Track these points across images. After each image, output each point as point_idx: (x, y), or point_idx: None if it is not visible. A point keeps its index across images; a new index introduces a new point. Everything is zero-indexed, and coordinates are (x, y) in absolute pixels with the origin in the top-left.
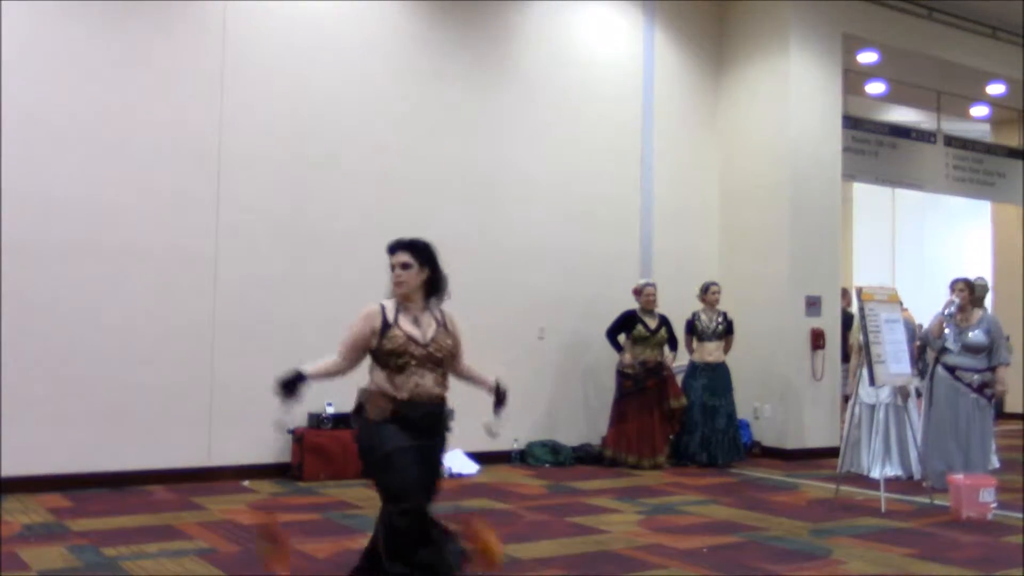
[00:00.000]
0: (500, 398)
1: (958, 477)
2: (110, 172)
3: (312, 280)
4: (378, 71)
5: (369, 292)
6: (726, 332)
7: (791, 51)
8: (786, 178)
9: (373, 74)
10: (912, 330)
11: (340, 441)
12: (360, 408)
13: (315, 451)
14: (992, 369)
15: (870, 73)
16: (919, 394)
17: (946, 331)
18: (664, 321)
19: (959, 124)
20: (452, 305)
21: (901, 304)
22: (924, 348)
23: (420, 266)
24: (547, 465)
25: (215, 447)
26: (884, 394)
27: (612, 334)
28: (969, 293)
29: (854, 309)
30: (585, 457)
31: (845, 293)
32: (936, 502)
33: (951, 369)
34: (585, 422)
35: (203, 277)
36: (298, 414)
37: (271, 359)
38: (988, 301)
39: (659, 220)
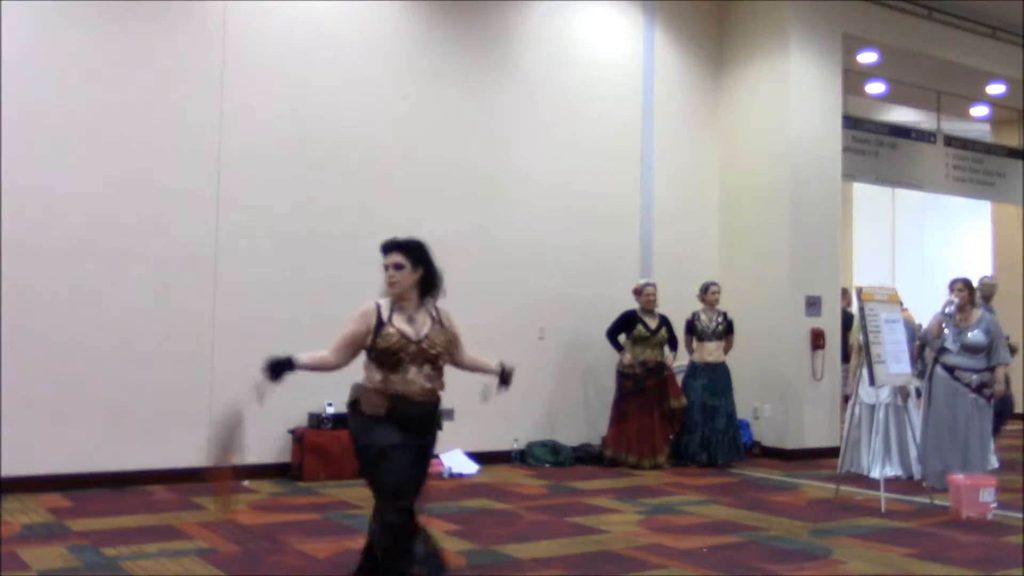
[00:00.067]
0: (506, 379)
1: (958, 477)
2: (110, 172)
3: (312, 280)
4: (378, 71)
5: (369, 292)
6: (726, 332)
7: (791, 51)
8: (786, 178)
9: (373, 74)
10: (912, 330)
11: (340, 441)
12: (355, 404)
13: (315, 451)
14: (991, 369)
15: (870, 73)
16: (919, 394)
17: (945, 331)
18: (664, 321)
19: (959, 124)
20: (452, 304)
21: (901, 304)
22: (924, 348)
23: (413, 266)
24: (547, 465)
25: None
26: (884, 394)
27: (612, 334)
28: (968, 293)
29: (854, 309)
30: (585, 457)
31: (845, 293)
32: (936, 502)
33: (950, 369)
34: (585, 422)
35: (203, 277)
36: (297, 413)
37: None
38: None
39: (659, 220)
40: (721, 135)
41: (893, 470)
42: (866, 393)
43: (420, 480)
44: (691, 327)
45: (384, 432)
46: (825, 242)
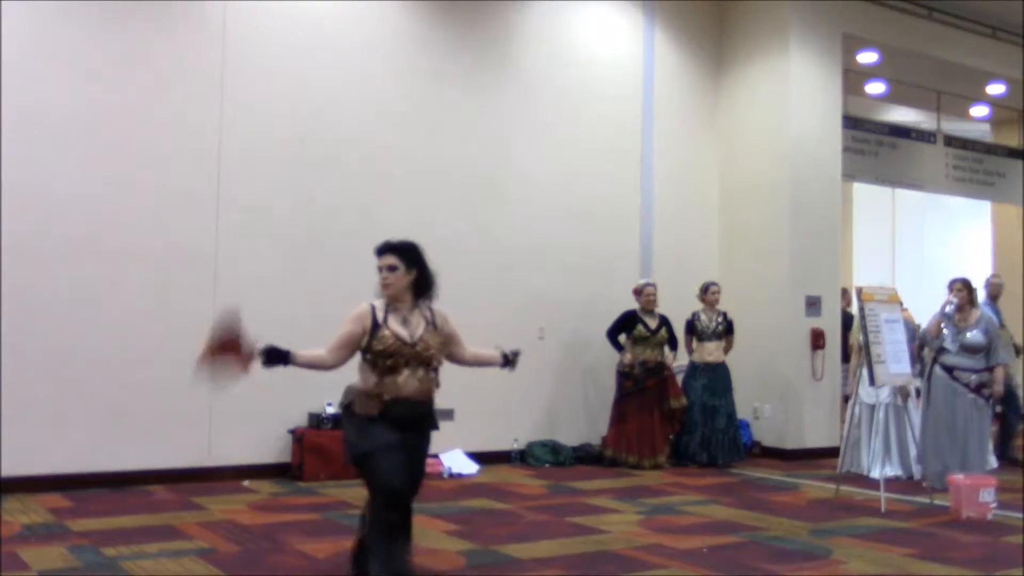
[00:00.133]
0: (512, 363)
1: (958, 477)
2: (110, 172)
3: (312, 280)
4: (378, 71)
5: (369, 292)
6: (726, 332)
7: (791, 51)
8: (786, 178)
9: (373, 74)
10: (912, 330)
11: (340, 441)
12: (348, 406)
13: (315, 451)
14: (990, 369)
15: (870, 73)
16: (919, 394)
17: (944, 331)
18: (664, 321)
19: (959, 124)
20: (452, 304)
21: (901, 304)
22: (923, 348)
23: (407, 268)
24: (547, 465)
25: (215, 447)
26: (884, 394)
27: (613, 334)
28: (967, 293)
29: (854, 309)
30: (585, 457)
31: (845, 293)
32: (936, 502)
33: (949, 369)
34: (585, 422)
35: (203, 277)
36: (297, 413)
37: None
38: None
39: (659, 220)
40: (721, 135)
41: (893, 470)
42: (866, 393)
43: (416, 479)
44: (691, 327)
45: (378, 432)
46: (825, 242)
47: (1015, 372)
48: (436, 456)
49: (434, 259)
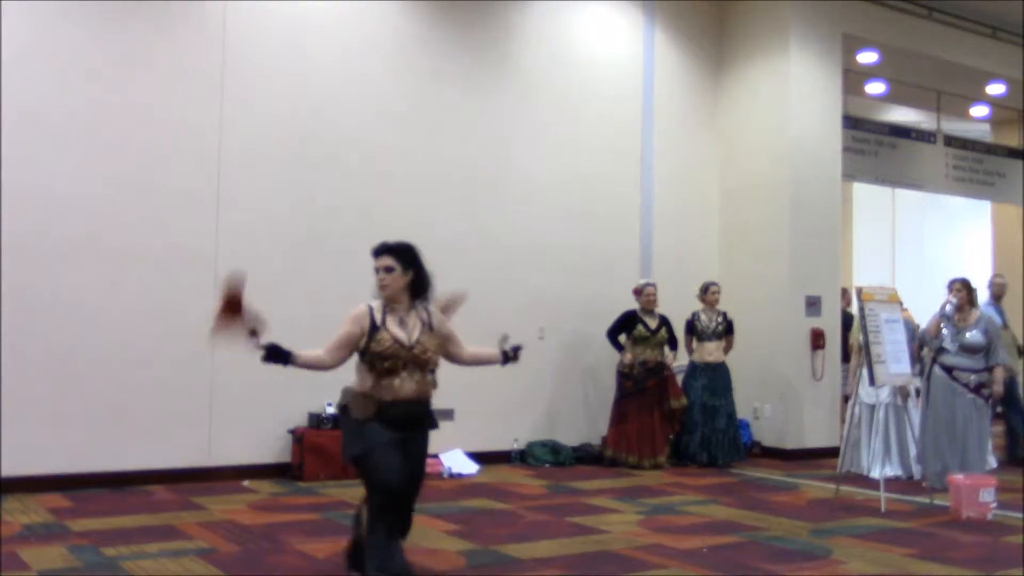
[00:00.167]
0: (513, 358)
1: (958, 477)
2: (110, 172)
3: (312, 280)
4: (378, 71)
5: (369, 292)
6: (726, 332)
7: (791, 51)
8: (786, 178)
9: (373, 74)
10: (912, 330)
11: (340, 441)
12: (345, 408)
13: (315, 451)
14: (989, 369)
15: (870, 73)
16: (919, 394)
17: (943, 331)
18: (664, 321)
19: (959, 124)
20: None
21: (901, 304)
22: (923, 347)
23: (403, 269)
24: (547, 465)
25: (215, 447)
26: (884, 394)
27: (613, 334)
28: (967, 293)
29: (854, 309)
30: (585, 457)
31: (845, 293)
32: (936, 502)
33: (948, 369)
34: (585, 422)
35: (203, 277)
36: (297, 413)
37: None
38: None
39: (659, 220)
40: (721, 135)
41: (893, 470)
42: (866, 393)
43: (415, 478)
44: (691, 327)
45: (375, 432)
46: (825, 242)
47: (1017, 374)
48: (436, 456)
49: (434, 259)
